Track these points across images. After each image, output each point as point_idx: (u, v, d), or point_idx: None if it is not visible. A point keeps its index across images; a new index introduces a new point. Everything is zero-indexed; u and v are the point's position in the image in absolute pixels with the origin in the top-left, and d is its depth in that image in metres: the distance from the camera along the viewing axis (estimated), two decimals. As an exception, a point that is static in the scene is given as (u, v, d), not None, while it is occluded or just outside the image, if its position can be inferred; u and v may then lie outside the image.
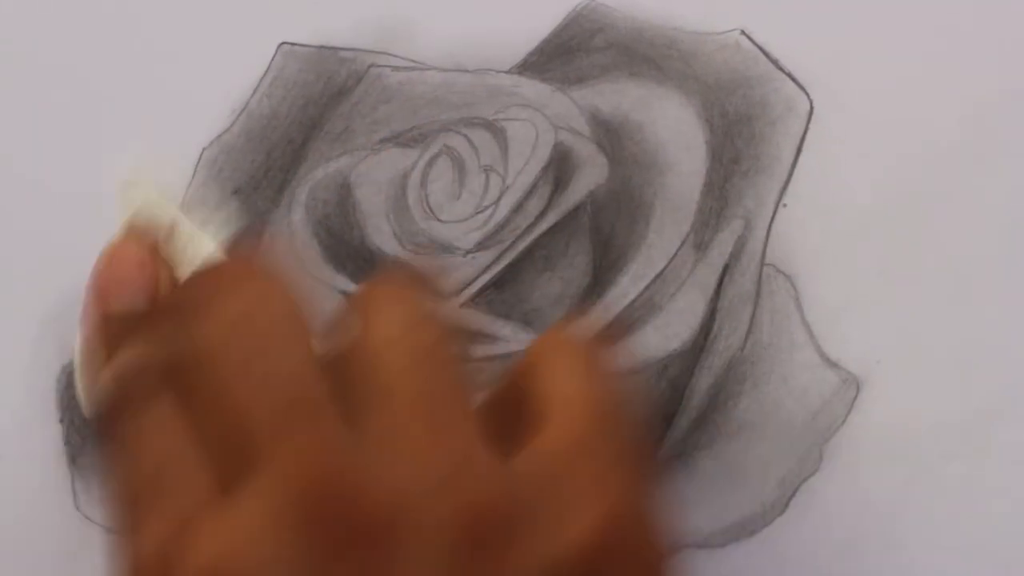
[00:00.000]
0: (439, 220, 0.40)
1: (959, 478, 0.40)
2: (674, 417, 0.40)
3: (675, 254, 0.40)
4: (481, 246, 0.40)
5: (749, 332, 0.40)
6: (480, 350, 0.39)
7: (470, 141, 0.40)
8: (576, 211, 0.40)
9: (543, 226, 0.40)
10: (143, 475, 0.25)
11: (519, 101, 0.41)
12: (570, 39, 0.42)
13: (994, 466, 0.40)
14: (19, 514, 0.39)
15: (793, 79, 0.41)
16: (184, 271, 0.29)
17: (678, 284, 0.40)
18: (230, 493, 0.24)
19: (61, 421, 0.40)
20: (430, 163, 0.40)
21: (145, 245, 0.29)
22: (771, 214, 0.41)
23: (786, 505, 0.40)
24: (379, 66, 0.41)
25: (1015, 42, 0.42)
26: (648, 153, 0.41)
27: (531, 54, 0.42)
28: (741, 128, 0.41)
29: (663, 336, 0.40)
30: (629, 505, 0.26)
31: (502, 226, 0.40)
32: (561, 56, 0.41)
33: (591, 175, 0.40)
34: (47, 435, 0.40)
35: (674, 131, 0.41)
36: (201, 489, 0.25)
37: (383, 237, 0.40)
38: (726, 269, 0.40)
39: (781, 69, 0.41)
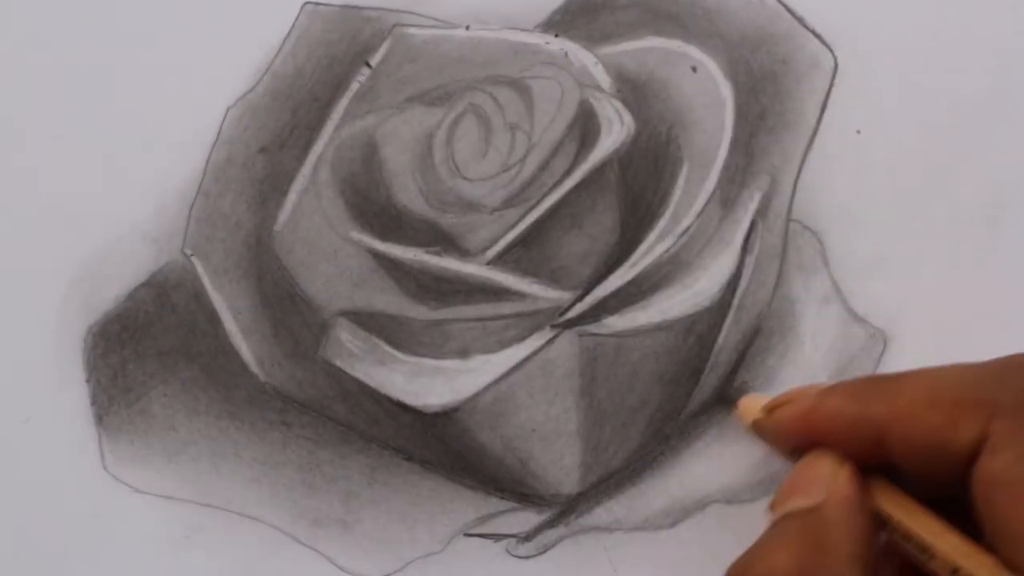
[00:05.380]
0: (465, 178, 0.40)
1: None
2: (702, 374, 0.40)
3: (701, 211, 0.40)
4: (508, 204, 0.40)
5: (776, 288, 0.40)
6: (507, 307, 0.39)
7: (495, 99, 0.40)
8: (602, 168, 0.40)
9: (569, 184, 0.40)
10: None
11: (544, 59, 0.41)
12: (594, -3, 0.42)
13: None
14: (47, 474, 0.39)
15: (817, 35, 0.41)
16: None
17: (705, 241, 0.40)
18: None
19: (87, 382, 0.40)
20: (456, 121, 0.40)
21: None
22: (797, 170, 0.41)
23: (815, 460, 0.40)
24: (403, 25, 0.41)
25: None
26: (673, 111, 0.41)
27: (556, 12, 0.42)
28: (766, 85, 0.41)
29: (691, 293, 0.40)
30: None
31: (528, 184, 0.40)
32: (586, 14, 0.41)
33: (617, 133, 0.40)
34: (74, 396, 0.40)
35: (699, 88, 0.41)
36: None
37: (409, 195, 0.40)
38: (753, 225, 0.40)
39: (805, 26, 0.41)
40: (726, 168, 0.40)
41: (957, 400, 0.30)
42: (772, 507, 0.32)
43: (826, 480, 0.31)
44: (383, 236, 0.40)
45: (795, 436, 0.33)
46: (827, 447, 0.32)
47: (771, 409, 0.34)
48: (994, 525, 0.29)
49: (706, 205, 0.40)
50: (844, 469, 0.31)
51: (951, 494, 0.31)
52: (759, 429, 0.34)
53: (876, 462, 0.31)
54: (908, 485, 0.32)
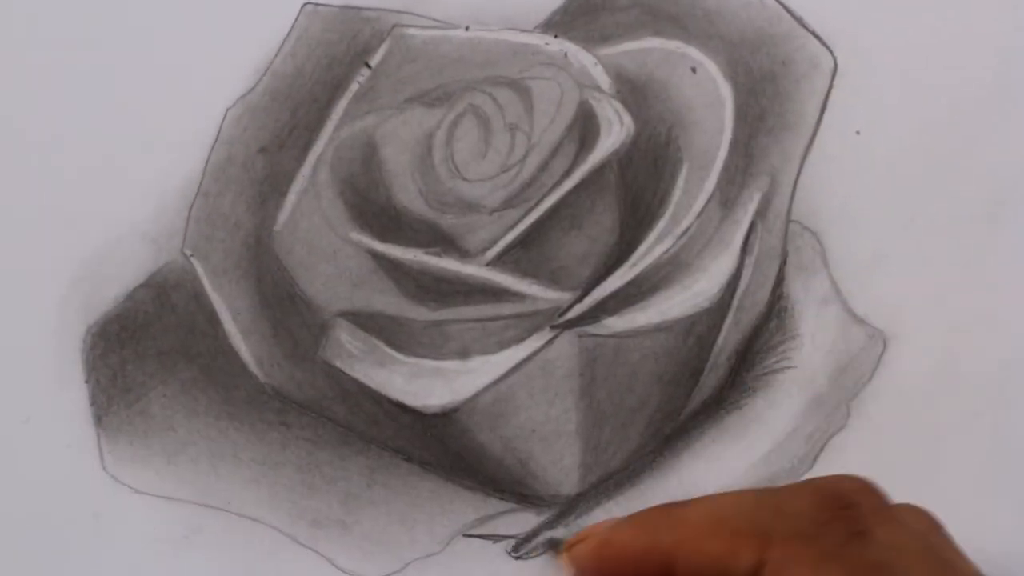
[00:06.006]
0: (465, 179, 0.40)
1: (986, 432, 0.40)
2: (702, 374, 0.40)
3: (701, 211, 0.40)
4: (507, 204, 0.40)
5: (776, 289, 0.40)
6: (506, 308, 0.39)
7: (495, 100, 0.40)
8: (602, 169, 0.40)
9: (569, 184, 0.40)
10: None
11: (544, 60, 0.41)
12: (594, -2, 0.42)
13: (1021, 419, 0.40)
14: (46, 475, 0.39)
15: (817, 36, 0.41)
16: None
17: (704, 241, 0.40)
18: None
19: (87, 382, 0.40)
20: (455, 122, 0.40)
21: None
22: (796, 171, 0.41)
23: (814, 461, 0.40)
24: (403, 26, 0.41)
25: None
26: (673, 111, 0.41)
27: (555, 12, 0.42)
28: (766, 86, 0.41)
29: (690, 294, 0.40)
30: None
31: (528, 184, 0.40)
32: (586, 15, 0.41)
33: (616, 133, 0.40)
34: (73, 396, 0.40)
35: (699, 89, 0.41)
36: None
37: (409, 196, 0.40)
38: (752, 226, 0.40)
39: (804, 27, 0.41)
40: (726, 169, 0.40)
41: (737, 528, 0.31)
42: None
43: None
44: (383, 237, 0.40)
45: (593, 571, 0.34)
46: None
47: (570, 546, 0.36)
48: None
49: (706, 206, 0.40)
50: None
51: None
52: (567, 565, 0.36)
53: None
54: None
